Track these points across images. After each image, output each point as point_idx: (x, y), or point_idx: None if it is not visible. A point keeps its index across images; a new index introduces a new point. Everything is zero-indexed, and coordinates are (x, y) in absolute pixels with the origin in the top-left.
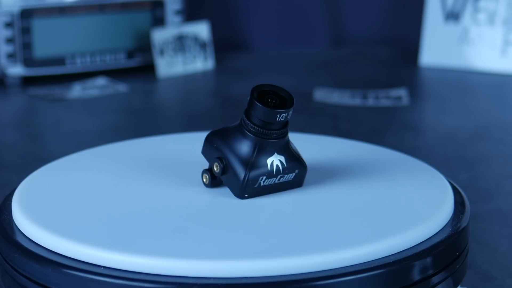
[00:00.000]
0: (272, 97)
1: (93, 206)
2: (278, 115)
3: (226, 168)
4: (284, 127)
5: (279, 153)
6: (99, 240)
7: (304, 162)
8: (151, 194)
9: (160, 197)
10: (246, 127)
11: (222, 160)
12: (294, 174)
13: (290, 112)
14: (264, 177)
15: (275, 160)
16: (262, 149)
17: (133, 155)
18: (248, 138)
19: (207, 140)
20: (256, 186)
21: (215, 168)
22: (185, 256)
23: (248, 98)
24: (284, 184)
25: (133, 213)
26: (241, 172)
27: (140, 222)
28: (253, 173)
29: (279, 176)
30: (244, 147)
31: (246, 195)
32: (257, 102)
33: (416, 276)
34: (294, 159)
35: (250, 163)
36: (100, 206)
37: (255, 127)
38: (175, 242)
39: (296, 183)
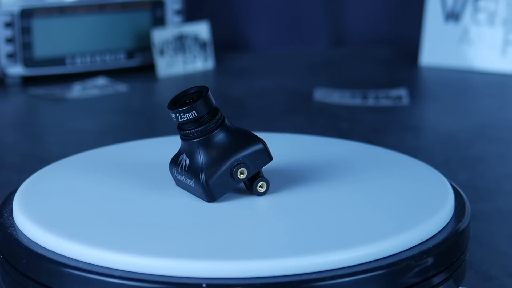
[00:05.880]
0: (194, 99)
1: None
2: (172, 113)
3: None
4: (186, 129)
5: (187, 155)
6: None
7: (204, 180)
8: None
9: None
10: None
11: None
12: (192, 182)
13: (181, 115)
14: (175, 170)
15: (184, 159)
16: (182, 145)
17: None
18: None
19: None
20: (173, 175)
21: None
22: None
23: None
24: (192, 188)
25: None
26: None
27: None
28: (171, 161)
29: (184, 177)
30: None
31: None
32: (173, 98)
33: (416, 277)
34: (193, 168)
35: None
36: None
37: None
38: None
39: (201, 194)
